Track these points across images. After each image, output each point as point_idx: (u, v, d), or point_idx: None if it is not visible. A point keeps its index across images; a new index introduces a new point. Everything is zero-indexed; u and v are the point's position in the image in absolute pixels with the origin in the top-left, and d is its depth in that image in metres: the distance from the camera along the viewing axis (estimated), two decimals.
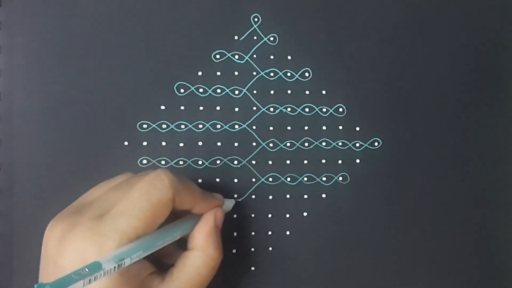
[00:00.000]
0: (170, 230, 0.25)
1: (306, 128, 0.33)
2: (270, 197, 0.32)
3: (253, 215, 0.32)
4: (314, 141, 0.33)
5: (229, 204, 0.29)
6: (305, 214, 0.32)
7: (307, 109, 0.33)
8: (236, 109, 0.32)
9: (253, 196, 0.32)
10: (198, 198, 0.26)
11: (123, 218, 0.23)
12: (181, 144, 0.31)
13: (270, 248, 0.32)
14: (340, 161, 0.33)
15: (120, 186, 0.25)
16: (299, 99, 0.33)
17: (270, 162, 0.32)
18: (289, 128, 0.32)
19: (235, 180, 0.32)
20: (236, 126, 0.32)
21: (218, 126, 0.32)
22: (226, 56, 0.32)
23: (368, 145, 0.33)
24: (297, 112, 0.33)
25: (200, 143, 0.31)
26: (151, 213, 0.23)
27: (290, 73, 0.32)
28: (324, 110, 0.33)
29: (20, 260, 0.30)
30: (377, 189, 0.33)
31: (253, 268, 0.32)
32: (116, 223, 0.22)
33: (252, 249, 0.32)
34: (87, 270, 0.20)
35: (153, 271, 0.25)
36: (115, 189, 0.25)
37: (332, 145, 0.33)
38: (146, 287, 0.24)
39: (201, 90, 0.32)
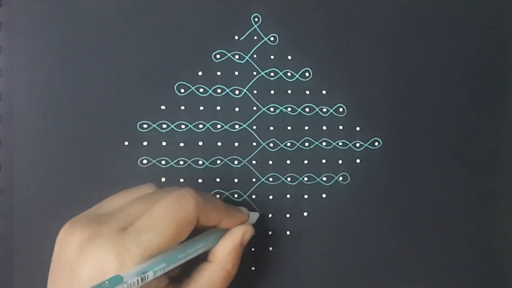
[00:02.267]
0: (193, 244, 0.25)
1: (306, 128, 0.33)
2: (271, 197, 0.32)
3: None
4: (314, 141, 0.33)
5: (254, 217, 0.29)
6: (305, 214, 0.32)
7: (307, 109, 0.33)
8: (237, 109, 0.32)
9: (254, 196, 0.32)
10: (223, 214, 0.26)
11: (147, 233, 0.22)
12: (182, 144, 0.31)
13: (270, 248, 0.32)
14: (340, 161, 0.33)
15: (144, 199, 0.25)
16: (299, 99, 0.33)
17: (270, 162, 0.32)
18: (289, 128, 0.32)
19: (235, 180, 0.32)
20: (237, 126, 0.32)
21: (219, 126, 0.32)
22: (227, 56, 0.32)
23: (368, 145, 0.33)
24: (297, 112, 0.33)
25: (200, 143, 0.31)
26: (175, 230, 0.23)
27: (290, 73, 0.32)
28: (324, 110, 0.33)
29: (20, 260, 0.30)
30: (377, 189, 0.33)
31: (253, 268, 0.32)
32: (140, 238, 0.22)
33: (252, 249, 0.32)
34: (107, 283, 0.19)
35: (168, 283, 0.24)
36: (139, 202, 0.24)
37: (332, 145, 0.33)
38: None
39: (201, 90, 0.32)
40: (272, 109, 0.32)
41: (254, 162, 0.32)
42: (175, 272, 0.26)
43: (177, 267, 0.24)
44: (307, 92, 0.33)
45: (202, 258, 0.26)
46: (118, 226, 0.23)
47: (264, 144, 0.32)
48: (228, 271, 0.26)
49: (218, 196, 0.32)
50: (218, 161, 0.32)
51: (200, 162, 0.31)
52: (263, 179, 0.32)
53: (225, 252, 0.26)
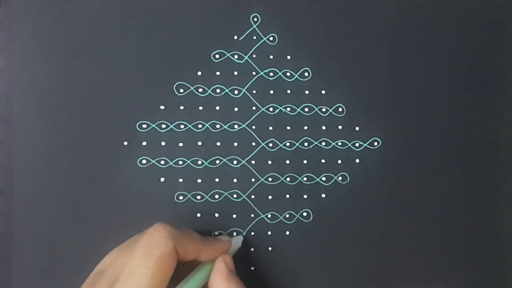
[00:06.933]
0: (189, 282, 0.25)
1: (305, 128, 0.33)
2: (270, 197, 0.32)
3: (252, 215, 0.32)
4: (313, 141, 0.33)
5: (238, 241, 0.29)
6: (304, 214, 0.32)
7: (306, 109, 0.33)
8: (236, 109, 0.32)
9: (253, 196, 0.32)
10: (200, 244, 0.26)
11: (132, 281, 0.23)
12: (181, 144, 0.31)
13: (270, 248, 0.32)
14: (339, 161, 0.33)
15: (125, 249, 0.25)
16: (299, 99, 0.32)
17: (269, 162, 0.32)
18: (288, 128, 0.32)
19: (235, 180, 0.32)
20: (236, 126, 0.32)
21: (218, 126, 0.32)
22: (226, 56, 0.32)
23: (367, 145, 0.33)
24: (297, 112, 0.32)
25: (199, 143, 0.31)
26: (157, 268, 0.23)
27: (290, 73, 0.32)
28: (324, 110, 0.33)
29: (19, 260, 0.30)
30: (376, 189, 0.33)
31: (252, 268, 0.32)
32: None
33: (252, 249, 0.32)
34: None
35: None
36: (121, 253, 0.25)
37: (331, 145, 0.33)
38: None
39: (200, 90, 0.32)
40: (271, 109, 0.32)
41: (253, 162, 0.32)
42: None
43: None
44: (307, 92, 0.33)
45: None
46: (107, 283, 0.23)
47: (263, 144, 0.32)
48: None
49: (217, 196, 0.32)
50: (217, 161, 0.32)
51: (199, 162, 0.31)
52: (262, 179, 0.32)
53: (223, 285, 0.26)
